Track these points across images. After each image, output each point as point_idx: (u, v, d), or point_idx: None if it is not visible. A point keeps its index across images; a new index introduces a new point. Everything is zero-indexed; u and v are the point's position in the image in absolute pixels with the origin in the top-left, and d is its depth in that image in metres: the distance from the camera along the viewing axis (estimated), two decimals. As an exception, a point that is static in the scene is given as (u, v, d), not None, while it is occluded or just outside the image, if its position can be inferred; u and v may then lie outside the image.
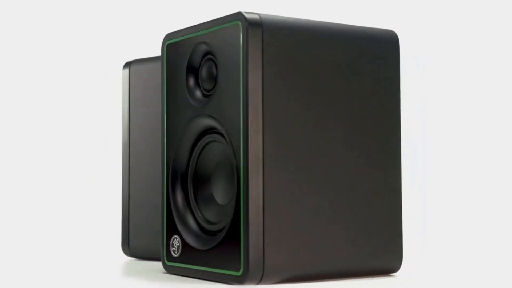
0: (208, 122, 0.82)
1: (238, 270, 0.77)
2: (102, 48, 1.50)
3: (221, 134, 0.82)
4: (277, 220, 0.78)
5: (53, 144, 1.49)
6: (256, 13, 0.79)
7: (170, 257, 0.86)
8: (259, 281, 0.77)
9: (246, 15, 0.78)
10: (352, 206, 0.82)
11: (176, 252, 0.85)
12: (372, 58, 0.84)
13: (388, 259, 0.84)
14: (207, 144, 0.84)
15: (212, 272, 0.80)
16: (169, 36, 0.87)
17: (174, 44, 0.86)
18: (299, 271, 0.79)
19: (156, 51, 1.34)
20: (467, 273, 0.88)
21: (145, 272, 0.88)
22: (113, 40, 1.50)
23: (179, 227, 0.84)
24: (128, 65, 1.02)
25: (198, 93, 0.84)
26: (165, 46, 0.87)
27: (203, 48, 0.83)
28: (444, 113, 1.44)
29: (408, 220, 1.28)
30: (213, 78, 0.82)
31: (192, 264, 0.83)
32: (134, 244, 1.00)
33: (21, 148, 1.48)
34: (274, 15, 0.80)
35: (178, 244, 0.85)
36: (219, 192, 0.83)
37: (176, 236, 0.85)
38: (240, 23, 0.78)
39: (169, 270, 0.86)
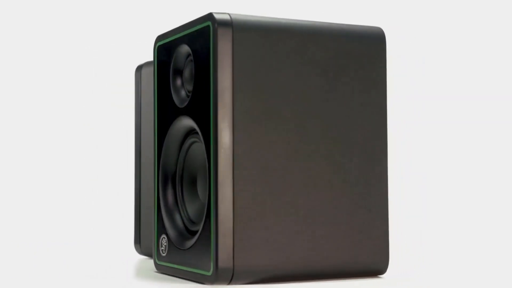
0: (189, 122, 0.82)
1: (209, 270, 0.77)
2: (112, 50, 1.50)
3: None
4: (248, 221, 0.78)
5: (66, 145, 1.49)
6: (227, 13, 0.79)
7: (159, 256, 0.87)
8: (230, 282, 0.77)
9: (216, 15, 0.78)
10: (332, 207, 0.81)
11: (164, 252, 0.86)
12: (356, 56, 0.83)
13: (373, 261, 0.83)
14: (191, 144, 0.85)
15: (190, 271, 0.80)
16: (159, 38, 0.88)
17: (163, 46, 0.87)
18: (272, 272, 0.78)
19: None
20: (455, 274, 0.86)
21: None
22: (124, 42, 1.50)
23: (168, 226, 0.85)
24: (139, 68, 1.03)
25: (182, 94, 0.84)
26: (156, 47, 0.89)
27: (185, 49, 0.83)
28: (433, 112, 1.42)
29: (396, 222, 1.27)
30: (193, 79, 0.83)
31: (175, 263, 0.83)
32: (146, 243, 1.01)
33: (34, 149, 1.48)
34: (247, 15, 0.80)
35: (165, 243, 0.85)
36: (202, 192, 0.84)
37: (164, 235, 0.86)
38: (210, 24, 0.78)
39: (159, 269, 0.87)
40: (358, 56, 0.83)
